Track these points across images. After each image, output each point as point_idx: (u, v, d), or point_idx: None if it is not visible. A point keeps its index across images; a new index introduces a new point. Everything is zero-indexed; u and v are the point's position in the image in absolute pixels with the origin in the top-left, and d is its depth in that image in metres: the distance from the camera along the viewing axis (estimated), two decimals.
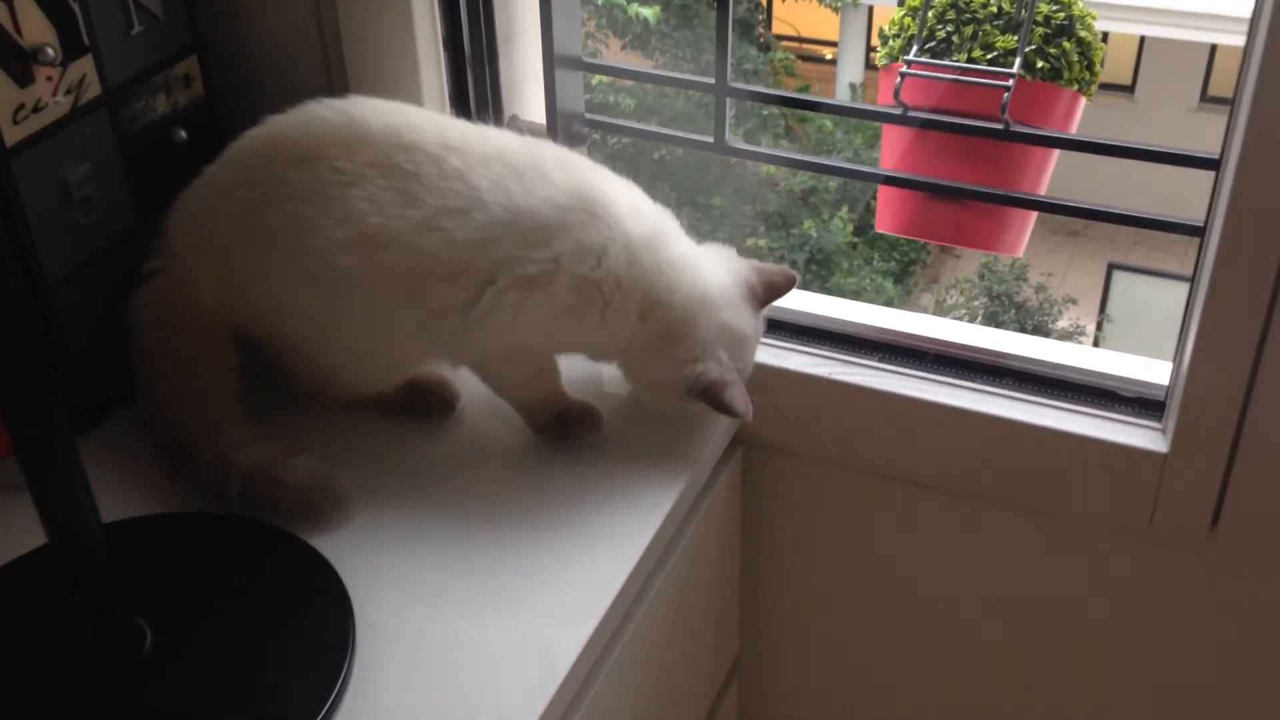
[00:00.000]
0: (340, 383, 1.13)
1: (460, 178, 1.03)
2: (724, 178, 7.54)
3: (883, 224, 1.40)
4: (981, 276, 8.47)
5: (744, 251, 1.16)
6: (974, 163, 1.31)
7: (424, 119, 1.08)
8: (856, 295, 8.07)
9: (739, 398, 1.06)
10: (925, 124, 1.28)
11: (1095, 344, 8.54)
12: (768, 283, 1.13)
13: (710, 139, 1.32)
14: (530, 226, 1.03)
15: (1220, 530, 1.08)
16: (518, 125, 1.37)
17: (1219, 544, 1.09)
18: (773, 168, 8.04)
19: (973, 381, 1.16)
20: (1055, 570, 1.22)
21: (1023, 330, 8.12)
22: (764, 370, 1.20)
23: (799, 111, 8.58)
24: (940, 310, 8.56)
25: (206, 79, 1.22)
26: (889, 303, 8.31)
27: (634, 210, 1.07)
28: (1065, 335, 8.23)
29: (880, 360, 1.19)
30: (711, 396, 1.05)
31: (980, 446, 1.15)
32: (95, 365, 1.14)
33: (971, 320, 8.41)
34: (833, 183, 8.26)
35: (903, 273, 8.78)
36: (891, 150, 1.37)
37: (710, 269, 1.10)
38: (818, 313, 1.25)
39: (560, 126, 1.34)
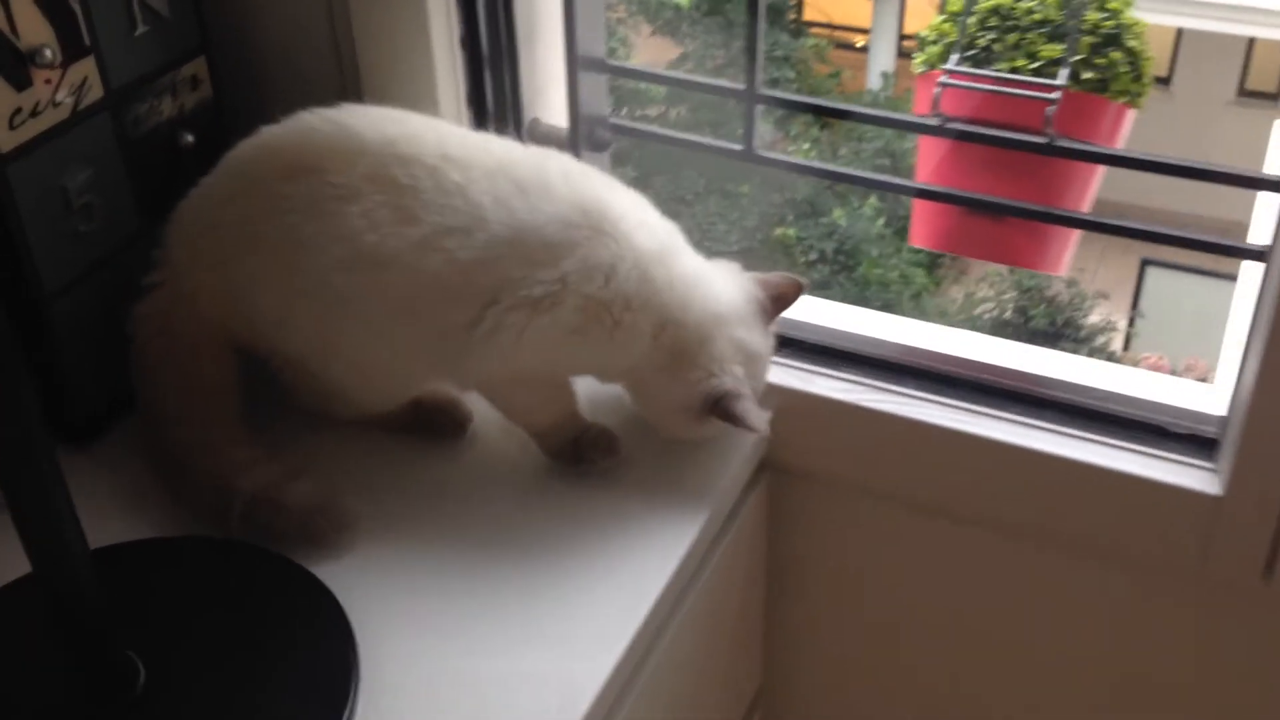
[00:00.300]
0: (343, 400, 1.09)
1: (461, 193, 0.98)
2: (753, 164, 7.47)
3: (917, 238, 1.35)
4: (1011, 270, 8.38)
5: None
6: (1015, 177, 1.25)
7: (422, 128, 1.03)
8: (885, 286, 8.00)
9: (753, 410, 1.01)
10: (965, 136, 1.22)
11: (1127, 341, 8.45)
12: (775, 295, 1.08)
13: (739, 146, 1.26)
14: (535, 245, 0.98)
15: (1276, 577, 1.02)
16: (538, 129, 1.32)
17: (1273, 591, 1.03)
18: (803, 153, 7.97)
19: (1012, 413, 1.10)
20: (1094, 609, 1.16)
21: (1053, 324, 8.06)
22: (791, 394, 1.15)
23: (832, 97, 8.49)
24: (970, 303, 8.48)
25: (214, 80, 1.17)
26: (918, 294, 8.23)
27: (642, 224, 1.03)
28: (1096, 330, 8.15)
29: (914, 387, 1.14)
30: (724, 409, 1.01)
31: (1019, 481, 1.10)
32: (95, 378, 1.10)
33: (1001, 313, 8.33)
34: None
35: (933, 263, 8.70)
36: (928, 161, 1.32)
37: (721, 285, 1.06)
38: (847, 332, 1.19)
39: (583, 131, 1.29)
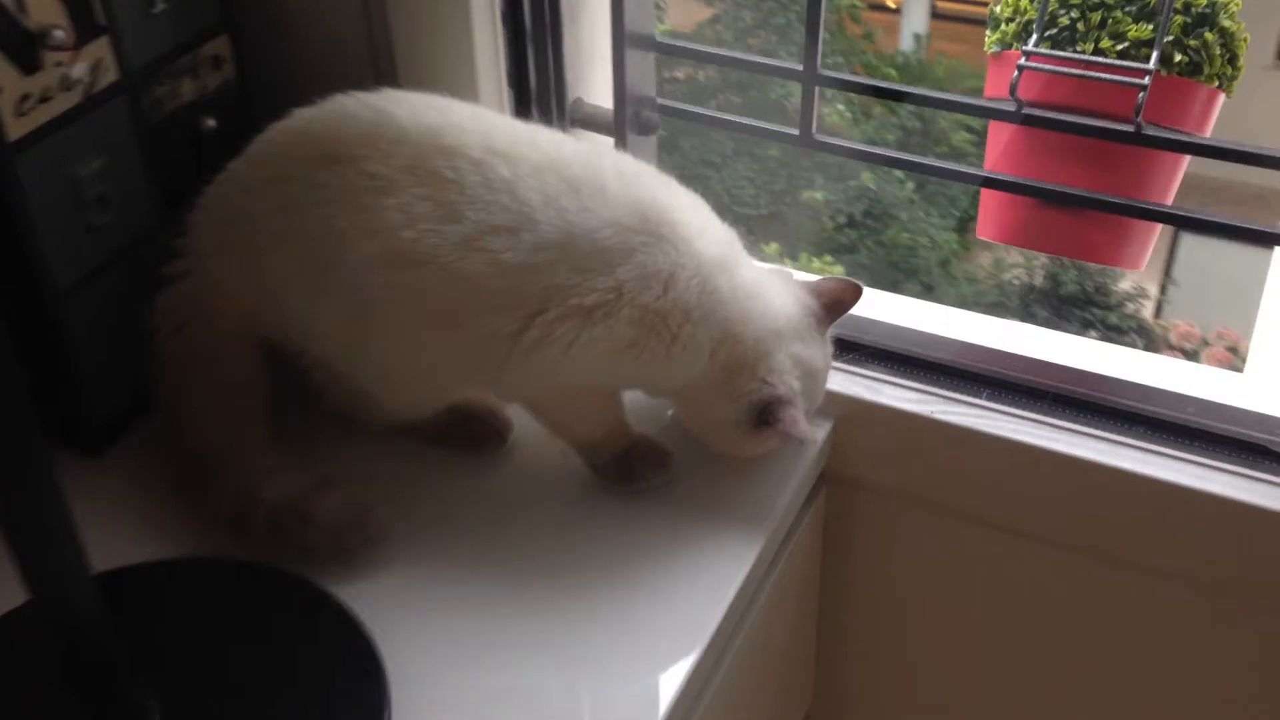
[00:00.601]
0: (374, 405, 1.02)
1: (508, 190, 0.91)
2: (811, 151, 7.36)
3: (985, 230, 1.26)
4: None
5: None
6: (1096, 167, 1.16)
7: (467, 118, 0.96)
8: (913, 250, 7.89)
9: (802, 420, 0.94)
10: (1047, 124, 1.13)
11: (1158, 308, 8.34)
12: (831, 302, 1.01)
13: (796, 131, 1.18)
14: (588, 250, 0.91)
15: None
16: (581, 111, 1.24)
17: None
18: (837, 115, 7.85)
19: (1099, 428, 1.02)
20: (1181, 641, 1.08)
21: (1083, 290, 7.95)
22: (856, 404, 1.07)
23: (864, 59, 8.36)
24: (999, 268, 8.36)
25: (238, 60, 1.09)
26: (945, 261, 8.11)
27: (703, 231, 0.96)
28: (1127, 297, 8.03)
29: (990, 398, 1.05)
30: (772, 414, 0.93)
31: (1104, 503, 1.01)
32: (110, 380, 1.03)
33: (1031, 278, 8.22)
34: (891, 135, 8.05)
35: (961, 227, 8.58)
36: (998, 148, 1.23)
37: (778, 297, 0.98)
38: (917, 332, 1.11)
39: (629, 113, 1.21)
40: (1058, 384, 1.05)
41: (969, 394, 1.06)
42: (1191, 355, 7.66)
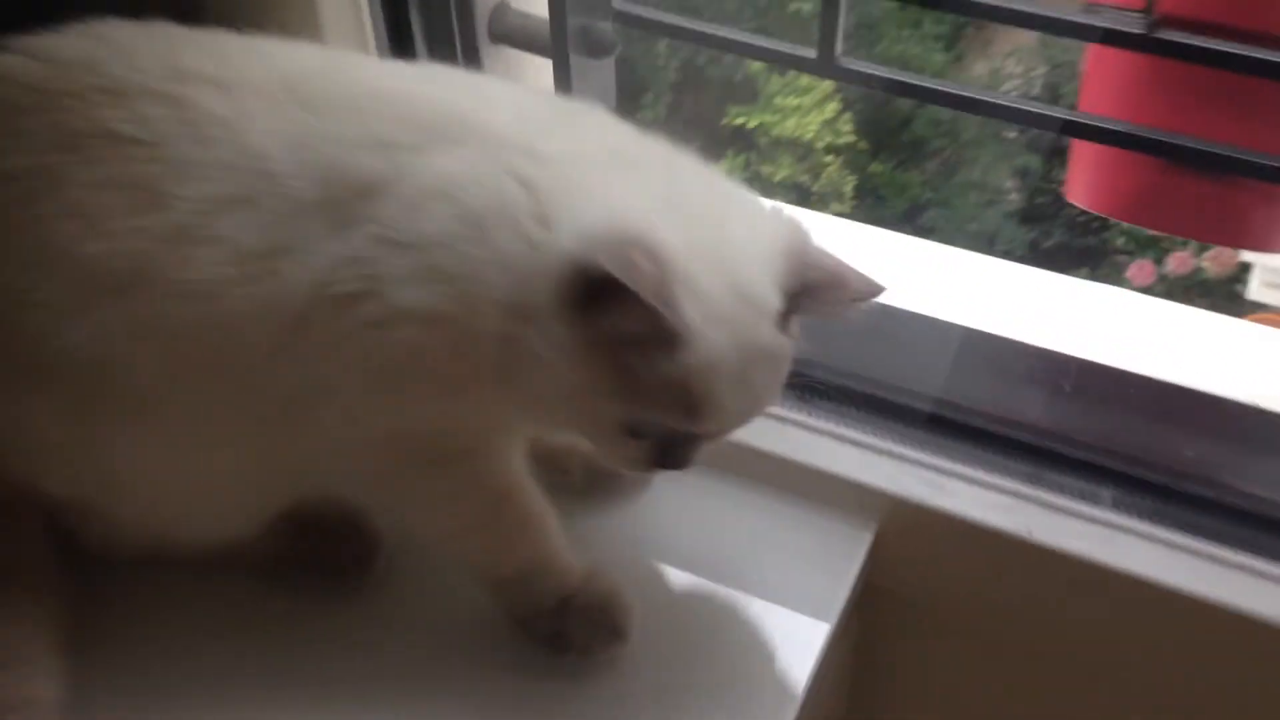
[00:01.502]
0: (155, 539, 0.67)
1: (228, 138, 0.57)
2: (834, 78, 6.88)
3: (1086, 196, 0.89)
4: (1044, 43, 7.80)
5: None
6: (1250, 114, 0.80)
7: (140, 37, 0.61)
8: (904, 64, 7.45)
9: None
10: (1190, 54, 0.75)
11: None
12: (823, 282, 0.59)
13: (813, 53, 0.81)
14: (345, 195, 0.57)
15: None
16: (506, 20, 0.87)
17: None
18: None
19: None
20: None
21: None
22: (906, 507, 0.71)
23: None
24: (995, 80, 7.92)
25: None
26: (939, 74, 7.68)
27: (520, 107, 0.61)
28: None
29: (1115, 504, 0.69)
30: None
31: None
32: None
33: (1029, 92, 7.79)
34: None
35: (954, 37, 8.12)
36: (1105, 83, 0.86)
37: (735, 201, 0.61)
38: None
39: (573, 26, 0.84)
40: (1204, 484, 0.69)
41: (1082, 496, 0.69)
42: None
